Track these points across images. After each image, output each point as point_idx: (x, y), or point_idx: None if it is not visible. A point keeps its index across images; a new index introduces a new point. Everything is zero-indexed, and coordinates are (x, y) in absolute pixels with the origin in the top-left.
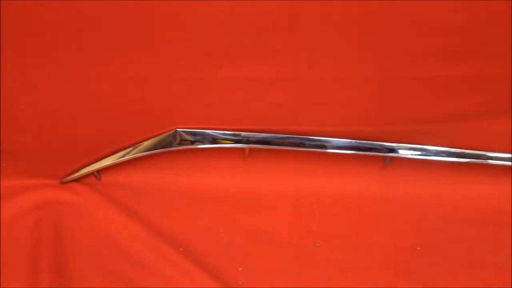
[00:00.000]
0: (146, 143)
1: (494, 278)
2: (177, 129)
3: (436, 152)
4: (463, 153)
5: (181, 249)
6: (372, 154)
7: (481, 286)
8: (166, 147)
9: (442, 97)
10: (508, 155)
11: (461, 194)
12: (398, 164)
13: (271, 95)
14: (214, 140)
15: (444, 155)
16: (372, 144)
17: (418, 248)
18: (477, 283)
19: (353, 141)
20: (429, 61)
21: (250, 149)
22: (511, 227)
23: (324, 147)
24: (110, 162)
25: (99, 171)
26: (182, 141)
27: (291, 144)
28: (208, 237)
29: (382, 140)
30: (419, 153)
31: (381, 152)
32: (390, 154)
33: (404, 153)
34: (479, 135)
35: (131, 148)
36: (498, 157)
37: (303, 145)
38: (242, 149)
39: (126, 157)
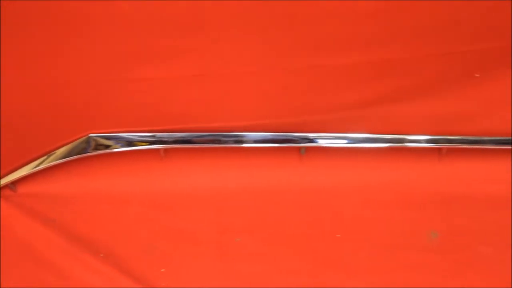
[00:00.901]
0: (60, 151)
1: (416, 260)
2: (90, 135)
3: (354, 139)
4: (382, 138)
5: (101, 255)
6: (288, 146)
7: (403, 268)
8: (81, 153)
9: (353, 83)
10: (426, 137)
11: (381, 179)
12: (315, 154)
13: (184, 93)
14: (130, 142)
15: (361, 141)
16: (287, 136)
17: (338, 235)
18: (399, 265)
19: (269, 134)
20: (336, 49)
21: (167, 149)
22: (431, 207)
23: (241, 142)
24: (25, 173)
25: (14, 183)
26: (98, 146)
27: (207, 142)
28: (128, 240)
29: (298, 131)
30: (334, 141)
31: (296, 143)
32: (305, 144)
33: (320, 142)
34: (397, 119)
35: (45, 157)
36: (417, 140)
37: (219, 142)
38: (159, 150)
39: (41, 166)
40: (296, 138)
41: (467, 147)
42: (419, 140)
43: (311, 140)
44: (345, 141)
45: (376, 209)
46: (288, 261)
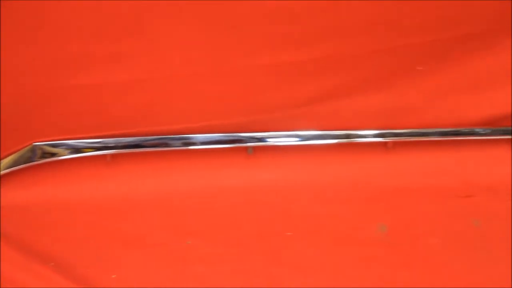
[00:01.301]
0: (4, 161)
1: (366, 254)
2: (34, 143)
3: (301, 137)
4: (330, 134)
5: (52, 264)
6: (235, 146)
7: (353, 263)
8: (26, 163)
9: (299, 81)
10: (373, 132)
11: (329, 175)
12: (263, 153)
13: (129, 98)
14: (76, 149)
15: (309, 138)
16: (234, 136)
17: (289, 233)
18: (350, 260)
19: (216, 135)
20: (280, 47)
21: (114, 155)
22: (379, 201)
23: (188, 144)
24: None
25: None
26: (44, 154)
27: (154, 145)
28: (78, 248)
29: (246, 130)
30: (282, 139)
31: (244, 143)
32: (252, 144)
33: (268, 141)
34: (343, 115)
35: None
36: (364, 135)
37: (166, 145)
38: (105, 156)
39: None
40: (244, 138)
41: (413, 139)
42: (365, 135)
43: (258, 139)
44: (293, 139)
45: (325, 205)
46: (240, 262)
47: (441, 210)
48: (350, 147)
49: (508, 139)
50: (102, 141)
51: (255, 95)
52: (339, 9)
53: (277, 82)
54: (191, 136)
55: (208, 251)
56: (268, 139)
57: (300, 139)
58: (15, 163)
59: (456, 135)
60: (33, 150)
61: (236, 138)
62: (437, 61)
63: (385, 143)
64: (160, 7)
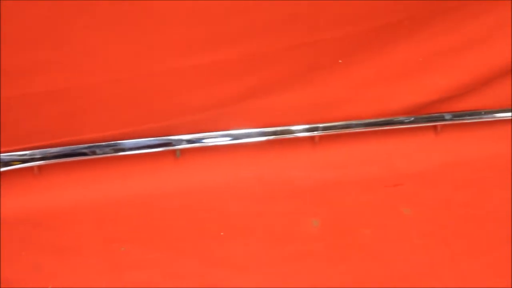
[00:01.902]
0: None
1: (301, 250)
2: None
3: (230, 136)
4: (258, 132)
5: None
6: (164, 150)
7: (289, 260)
8: None
9: (224, 80)
10: (300, 127)
11: (259, 172)
12: (192, 154)
13: (53, 108)
14: (2, 163)
15: (237, 137)
16: (162, 140)
17: (222, 233)
18: (285, 257)
19: (143, 139)
20: (202, 48)
21: (41, 166)
22: (310, 196)
23: (117, 150)
24: None
25: None
26: None
27: (82, 154)
28: (13, 262)
29: (174, 133)
30: (210, 140)
31: (171, 146)
32: (180, 146)
33: (196, 142)
34: (270, 112)
35: None
36: (291, 130)
37: (95, 153)
38: (33, 168)
39: None
40: (172, 141)
41: (339, 132)
42: (292, 130)
43: (188, 141)
44: (221, 138)
45: (256, 203)
46: (175, 265)
47: (371, 201)
48: (278, 144)
49: (432, 125)
50: (28, 153)
51: (181, 97)
52: (258, 6)
53: (201, 83)
54: (120, 142)
55: (143, 257)
56: (197, 140)
57: (228, 139)
58: None
59: (380, 125)
60: None
61: (164, 141)
62: (357, 53)
63: (312, 138)
64: (79, 14)
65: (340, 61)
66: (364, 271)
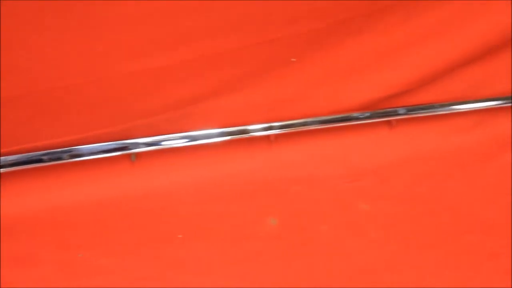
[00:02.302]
0: None
1: (260, 249)
2: None
3: (187, 137)
4: (215, 132)
5: None
6: (120, 154)
7: (248, 259)
8: None
9: (181, 81)
10: (257, 126)
11: (217, 173)
12: (149, 158)
13: (7, 115)
14: None
15: (194, 139)
16: (118, 144)
17: (180, 235)
18: (244, 257)
19: (101, 144)
20: (157, 50)
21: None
22: (268, 195)
23: (74, 156)
24: None
25: None
26: None
27: (37, 161)
28: None
29: (132, 136)
30: (168, 142)
31: (128, 150)
32: (136, 150)
33: (153, 145)
34: (226, 112)
35: None
36: (249, 130)
37: (52, 159)
38: None
39: None
40: (127, 145)
41: (295, 130)
42: (248, 130)
43: (143, 145)
44: (177, 140)
45: (213, 204)
46: (134, 270)
47: (329, 197)
48: (235, 144)
49: (386, 121)
50: None
51: (137, 100)
52: (211, 7)
53: (157, 86)
54: (76, 148)
55: (101, 263)
56: (154, 143)
57: (185, 140)
58: None
59: (335, 122)
60: None
61: (121, 145)
62: (310, 51)
63: (267, 137)
64: (28, 20)
65: (293, 59)
66: (322, 267)
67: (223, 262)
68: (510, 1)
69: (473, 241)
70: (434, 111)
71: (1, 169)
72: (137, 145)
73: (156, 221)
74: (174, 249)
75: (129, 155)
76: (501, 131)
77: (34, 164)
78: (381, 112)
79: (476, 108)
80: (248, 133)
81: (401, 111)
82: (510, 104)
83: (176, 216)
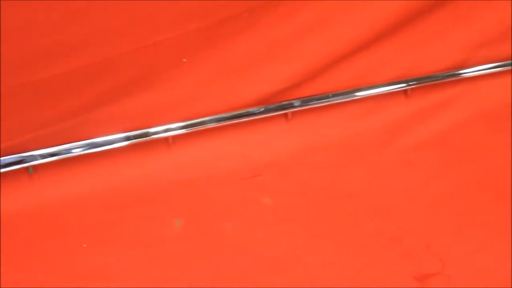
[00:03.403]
0: None
1: (167, 252)
2: None
3: (82, 146)
4: (110, 139)
5: None
6: (20, 167)
7: (156, 263)
8: None
9: (69, 92)
10: (159, 128)
11: (116, 180)
12: (46, 169)
13: None
14: None
15: (90, 147)
16: (15, 158)
17: (84, 245)
18: (151, 262)
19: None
20: (40, 61)
21: None
22: (171, 197)
23: None
24: None
25: None
26: None
27: None
28: None
29: (30, 149)
30: (65, 151)
31: (28, 162)
32: (32, 163)
33: (47, 157)
34: (121, 118)
35: None
36: (145, 134)
37: None
38: None
39: None
40: (23, 158)
41: (192, 130)
42: (148, 133)
43: (40, 156)
44: (76, 149)
45: (116, 210)
46: (40, 282)
47: (231, 194)
48: (133, 148)
49: (283, 114)
50: None
51: (34, 111)
52: (97, 12)
53: (52, 95)
54: None
55: (4, 278)
56: (52, 154)
57: (82, 149)
58: None
59: (232, 118)
60: None
61: (17, 159)
62: (201, 50)
63: (166, 139)
64: None
65: (184, 59)
66: (230, 264)
67: (129, 268)
68: None
69: (375, 226)
70: (328, 101)
71: None
72: (34, 157)
73: (59, 233)
74: (79, 259)
75: (27, 168)
76: (395, 116)
77: None
78: (277, 105)
79: (369, 95)
80: (146, 136)
81: (296, 103)
82: (403, 89)
83: (80, 226)
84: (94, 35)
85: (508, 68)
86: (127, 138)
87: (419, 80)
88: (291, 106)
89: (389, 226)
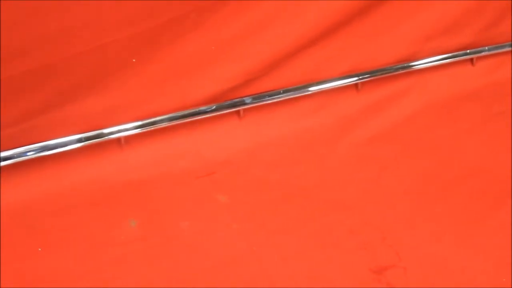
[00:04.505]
0: None
1: (122, 253)
2: None
3: (34, 150)
4: (63, 142)
5: None
6: None
7: (112, 265)
8: None
9: (18, 96)
10: (110, 129)
11: (69, 182)
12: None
13: None
14: None
15: (42, 150)
16: None
17: (39, 249)
18: (108, 263)
19: None
20: None
21: None
22: (124, 198)
23: None
24: None
25: None
26: None
27: None
28: None
29: None
30: (17, 155)
31: None
32: None
33: (10, 159)
34: (68, 122)
35: None
36: (105, 134)
37: None
38: None
39: None
40: None
41: (144, 131)
42: (101, 134)
43: None
44: (29, 153)
45: (70, 213)
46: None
47: (186, 193)
48: (86, 150)
49: (235, 111)
50: None
51: None
52: (44, 16)
53: (2, 99)
54: None
55: None
56: (4, 158)
57: (34, 152)
58: None
59: (184, 117)
60: None
61: None
62: (150, 50)
63: (118, 140)
64: None
65: (134, 60)
66: (186, 263)
67: (85, 271)
68: None
69: (330, 220)
70: (280, 97)
71: None
72: None
73: (14, 236)
74: (34, 263)
75: None
76: (347, 110)
77: None
78: (228, 103)
79: (320, 90)
80: (102, 137)
81: (248, 100)
82: (354, 82)
83: (34, 229)
84: (43, 38)
85: (456, 59)
86: (80, 140)
87: (370, 73)
88: (243, 103)
89: (344, 220)
